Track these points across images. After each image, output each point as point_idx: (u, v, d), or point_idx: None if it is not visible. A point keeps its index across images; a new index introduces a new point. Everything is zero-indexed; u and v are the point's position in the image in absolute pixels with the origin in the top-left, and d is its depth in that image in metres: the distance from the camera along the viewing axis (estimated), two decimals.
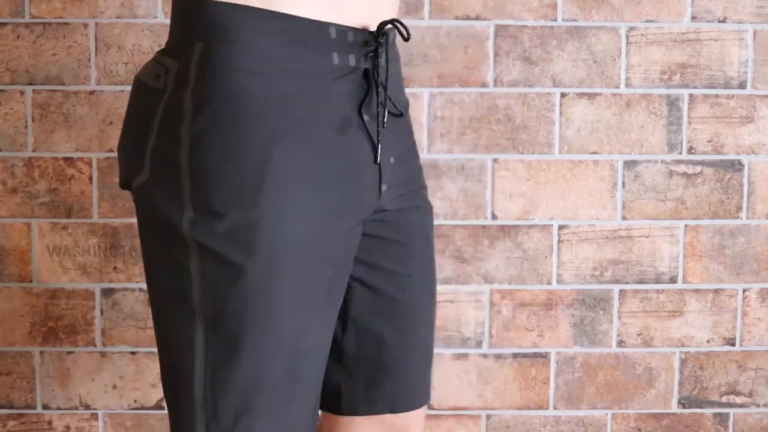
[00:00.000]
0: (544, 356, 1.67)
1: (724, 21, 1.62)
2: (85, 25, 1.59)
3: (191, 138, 0.97)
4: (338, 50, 0.99)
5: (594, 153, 1.63)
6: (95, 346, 1.65)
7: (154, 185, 0.99)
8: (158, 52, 1.02)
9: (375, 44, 1.02)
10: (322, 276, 1.00)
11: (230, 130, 0.96)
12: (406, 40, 1.04)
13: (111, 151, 1.61)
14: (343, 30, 0.99)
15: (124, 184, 1.04)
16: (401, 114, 1.09)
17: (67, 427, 1.67)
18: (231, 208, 0.96)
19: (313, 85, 0.98)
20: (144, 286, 1.63)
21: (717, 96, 1.63)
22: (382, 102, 1.02)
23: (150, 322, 1.64)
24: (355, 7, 1.01)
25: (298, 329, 0.99)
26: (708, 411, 1.70)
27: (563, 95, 1.62)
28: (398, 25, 1.04)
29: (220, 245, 0.96)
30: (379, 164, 1.04)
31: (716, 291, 1.67)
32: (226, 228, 0.96)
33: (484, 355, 1.66)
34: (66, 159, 1.61)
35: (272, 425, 1.00)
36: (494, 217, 1.64)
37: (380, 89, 1.02)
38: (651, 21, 1.61)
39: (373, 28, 1.03)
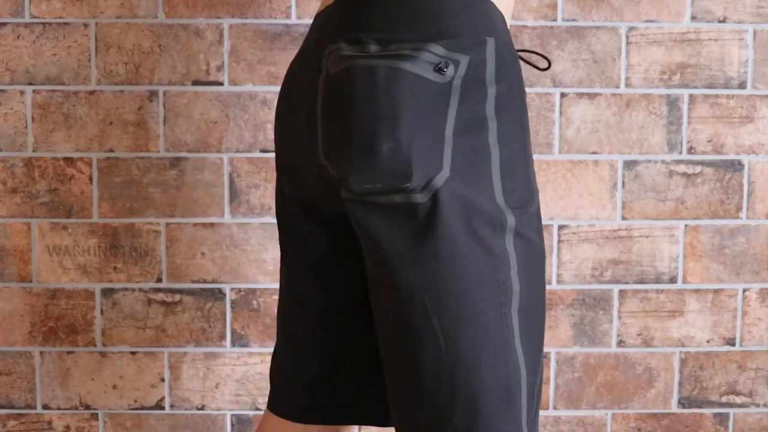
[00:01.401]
0: (544, 356, 1.67)
1: (724, 21, 1.62)
2: (85, 25, 1.59)
3: (499, 131, 0.99)
4: None
5: (594, 153, 1.63)
6: (95, 346, 1.65)
7: (461, 181, 0.97)
8: (423, 43, 0.98)
9: None
10: None
11: (525, 125, 1.04)
12: (545, 69, 1.20)
13: (111, 151, 1.61)
14: None
15: (416, 187, 0.96)
16: None
17: (67, 427, 1.67)
18: (532, 197, 1.04)
19: None
20: (144, 285, 1.63)
21: (717, 96, 1.63)
22: None
23: (150, 322, 1.64)
24: None
25: None
26: (708, 411, 1.69)
27: (563, 95, 1.62)
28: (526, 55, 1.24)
29: (532, 230, 1.02)
30: None
31: (716, 291, 1.67)
32: (532, 214, 1.03)
33: None
34: (66, 159, 1.61)
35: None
36: None
37: None
38: (651, 21, 1.61)
39: None
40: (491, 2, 1.03)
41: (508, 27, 1.08)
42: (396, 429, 1.05)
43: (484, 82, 0.98)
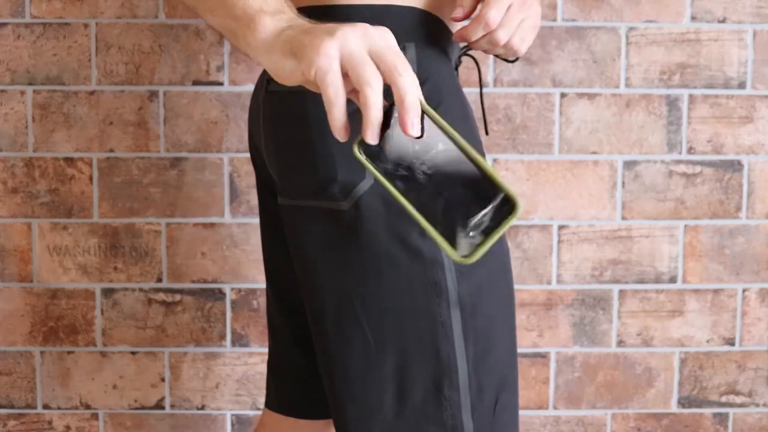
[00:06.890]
0: (544, 356, 1.67)
1: (723, 21, 1.62)
2: (86, 25, 1.59)
3: None
4: None
5: (594, 153, 1.64)
6: (95, 346, 1.65)
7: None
8: None
9: None
10: None
11: (468, 124, 1.06)
12: (513, 61, 1.21)
13: (111, 151, 1.61)
14: None
15: (340, 195, 0.98)
16: None
17: (67, 427, 1.67)
18: None
19: None
20: (144, 285, 1.63)
21: (717, 96, 1.63)
22: None
23: (150, 322, 1.64)
24: None
25: None
26: (708, 411, 1.70)
27: (563, 95, 1.62)
28: None
29: None
30: None
31: (716, 291, 1.67)
32: None
33: None
34: (66, 159, 1.61)
35: (515, 398, 1.05)
36: None
37: None
38: (651, 21, 1.61)
39: None
40: (417, 9, 1.03)
41: (448, 31, 1.09)
42: (333, 420, 1.07)
43: None
